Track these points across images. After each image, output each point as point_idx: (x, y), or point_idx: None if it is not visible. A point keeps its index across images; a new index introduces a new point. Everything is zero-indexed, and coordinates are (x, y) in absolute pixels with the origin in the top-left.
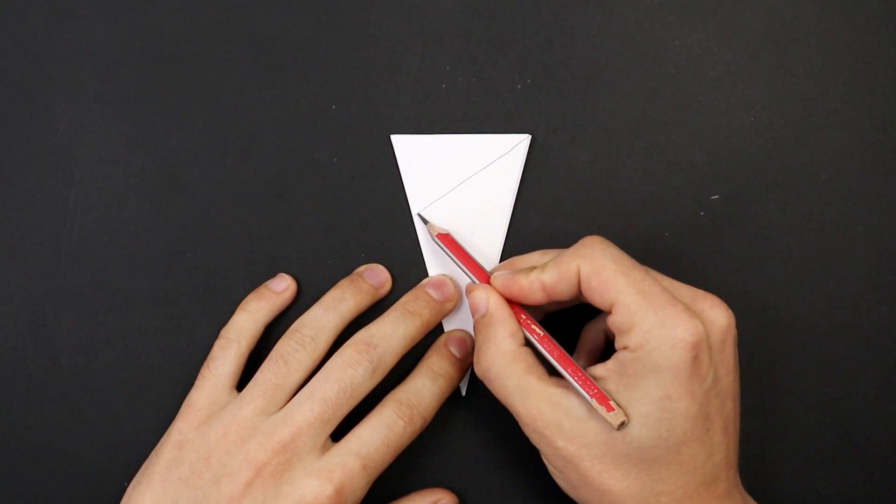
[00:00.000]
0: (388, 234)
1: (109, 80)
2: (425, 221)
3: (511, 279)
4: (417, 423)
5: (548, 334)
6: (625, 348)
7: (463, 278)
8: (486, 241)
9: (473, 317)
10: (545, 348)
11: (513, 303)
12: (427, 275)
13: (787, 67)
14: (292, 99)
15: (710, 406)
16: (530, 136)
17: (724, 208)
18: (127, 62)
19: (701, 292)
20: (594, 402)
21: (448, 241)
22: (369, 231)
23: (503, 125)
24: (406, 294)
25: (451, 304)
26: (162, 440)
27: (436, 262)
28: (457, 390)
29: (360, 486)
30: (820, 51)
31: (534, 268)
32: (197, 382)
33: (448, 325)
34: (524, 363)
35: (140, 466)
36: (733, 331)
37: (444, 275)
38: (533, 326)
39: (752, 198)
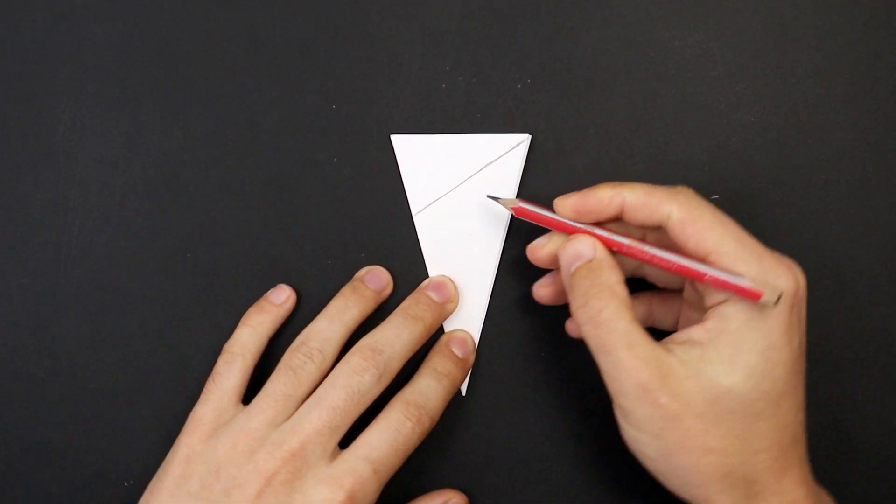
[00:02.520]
0: (388, 234)
1: (109, 80)
2: (496, 199)
3: (589, 192)
4: (426, 424)
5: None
6: (723, 301)
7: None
8: (485, 241)
9: (571, 267)
10: (669, 252)
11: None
12: (427, 275)
13: (787, 67)
14: (292, 99)
15: (801, 360)
16: (530, 136)
17: (724, 208)
18: (127, 62)
19: (776, 252)
20: (750, 285)
21: (524, 212)
22: (369, 231)
23: (503, 125)
24: (407, 298)
25: (453, 304)
26: (169, 456)
27: (436, 261)
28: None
29: (371, 490)
30: (820, 51)
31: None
32: (202, 397)
33: (448, 326)
34: (633, 312)
35: (140, 466)
36: (806, 291)
37: (444, 275)
38: (643, 246)
39: (752, 198)
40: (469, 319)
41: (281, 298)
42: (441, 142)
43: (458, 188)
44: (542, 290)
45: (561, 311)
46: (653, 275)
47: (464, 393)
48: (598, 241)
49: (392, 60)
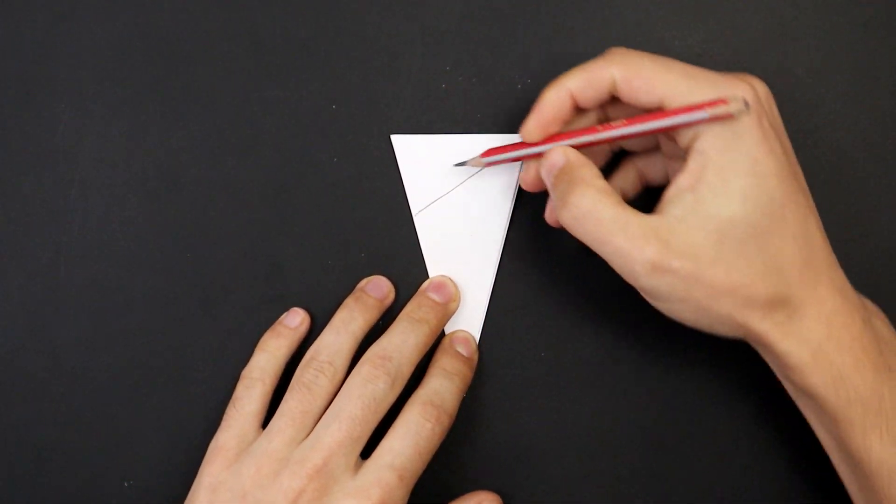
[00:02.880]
0: (388, 234)
1: (109, 80)
2: (463, 164)
3: (538, 104)
4: (445, 423)
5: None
6: (694, 137)
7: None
8: (486, 241)
9: (550, 176)
10: (632, 123)
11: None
12: (427, 275)
13: (787, 67)
14: (292, 99)
15: (791, 166)
16: None
17: None
18: (127, 62)
19: (729, 73)
20: (712, 111)
21: (494, 162)
22: (369, 231)
23: (503, 125)
24: (409, 303)
25: (455, 303)
26: (194, 486)
27: (436, 261)
28: None
29: (399, 497)
30: (820, 51)
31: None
32: (223, 424)
33: (449, 326)
34: (615, 197)
35: (140, 466)
36: (773, 99)
37: (444, 275)
38: (606, 133)
39: None
40: (470, 319)
41: (296, 322)
42: (441, 142)
43: (458, 188)
44: (552, 215)
45: (560, 310)
46: (629, 145)
47: (465, 392)
48: (567, 147)
49: (392, 60)
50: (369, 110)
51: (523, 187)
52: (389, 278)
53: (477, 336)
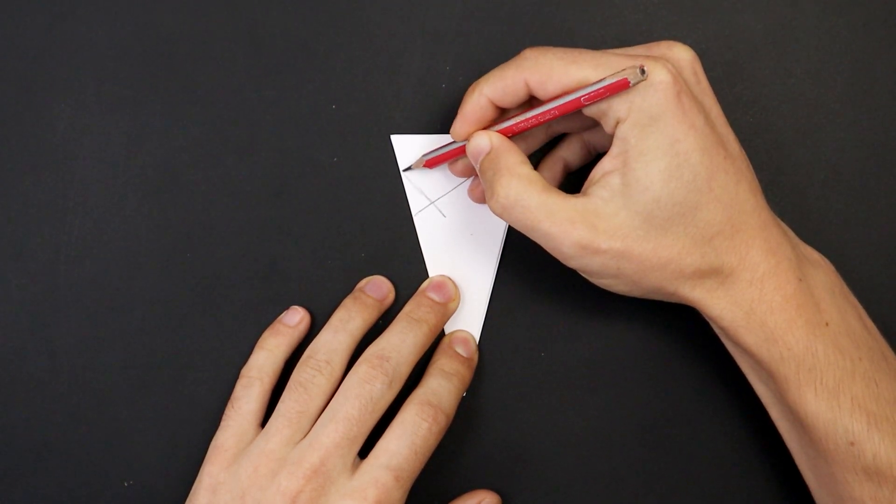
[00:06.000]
0: (388, 234)
1: (109, 80)
2: (407, 168)
3: (462, 106)
4: (441, 423)
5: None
6: (616, 124)
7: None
8: (486, 240)
9: (477, 162)
10: (546, 104)
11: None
12: (427, 274)
13: (787, 68)
14: (292, 99)
15: (717, 133)
16: None
17: None
18: (127, 62)
19: (654, 42)
20: (607, 82)
21: (433, 161)
22: (369, 231)
23: None
24: (408, 302)
25: (454, 303)
26: (194, 487)
27: (436, 261)
28: None
29: (396, 497)
30: (820, 51)
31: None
32: (222, 423)
33: (448, 327)
34: (541, 183)
35: (140, 466)
36: (699, 62)
37: (443, 275)
38: (525, 115)
39: None
40: (469, 319)
41: (295, 320)
42: (441, 142)
43: (458, 188)
44: (474, 193)
45: (560, 310)
46: (565, 127)
47: (464, 392)
48: (493, 133)
49: (392, 60)
50: (369, 110)
51: (453, 174)
52: (389, 278)
53: (477, 336)
